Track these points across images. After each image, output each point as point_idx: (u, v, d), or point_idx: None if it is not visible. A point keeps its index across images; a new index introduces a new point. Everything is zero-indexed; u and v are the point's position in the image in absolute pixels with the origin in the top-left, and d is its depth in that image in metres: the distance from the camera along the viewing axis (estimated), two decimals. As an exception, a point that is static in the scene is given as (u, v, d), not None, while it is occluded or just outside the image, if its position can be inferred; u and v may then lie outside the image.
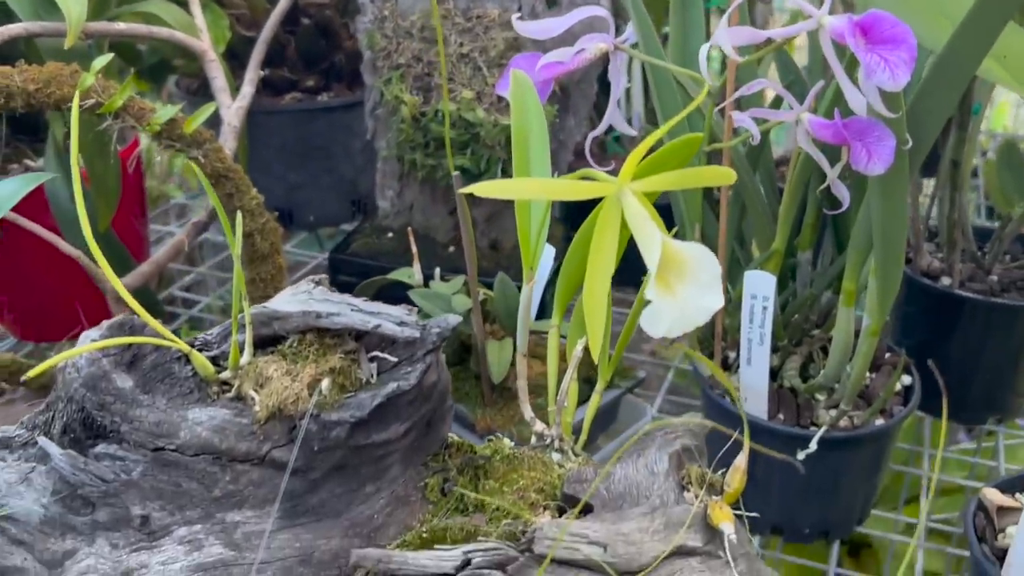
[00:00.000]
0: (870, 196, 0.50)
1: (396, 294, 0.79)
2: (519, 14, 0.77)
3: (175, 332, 0.45)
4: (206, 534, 0.37)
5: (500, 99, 0.80)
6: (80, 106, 0.63)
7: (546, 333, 0.50)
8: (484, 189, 0.36)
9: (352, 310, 0.38)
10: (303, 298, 0.40)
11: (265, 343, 0.40)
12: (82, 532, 0.39)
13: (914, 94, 0.47)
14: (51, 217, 0.78)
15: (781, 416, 0.61)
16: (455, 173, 0.58)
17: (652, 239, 0.35)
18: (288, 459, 0.38)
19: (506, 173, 0.82)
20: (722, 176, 0.39)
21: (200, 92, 1.06)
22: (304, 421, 0.37)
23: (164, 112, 0.64)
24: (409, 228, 0.74)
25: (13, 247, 0.83)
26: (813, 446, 0.57)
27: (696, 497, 0.38)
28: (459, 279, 0.72)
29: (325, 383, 0.38)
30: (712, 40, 0.47)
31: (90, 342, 0.39)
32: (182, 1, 0.81)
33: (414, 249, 0.71)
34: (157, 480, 0.38)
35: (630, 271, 0.46)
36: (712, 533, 0.38)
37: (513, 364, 0.69)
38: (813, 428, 0.60)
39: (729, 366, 0.66)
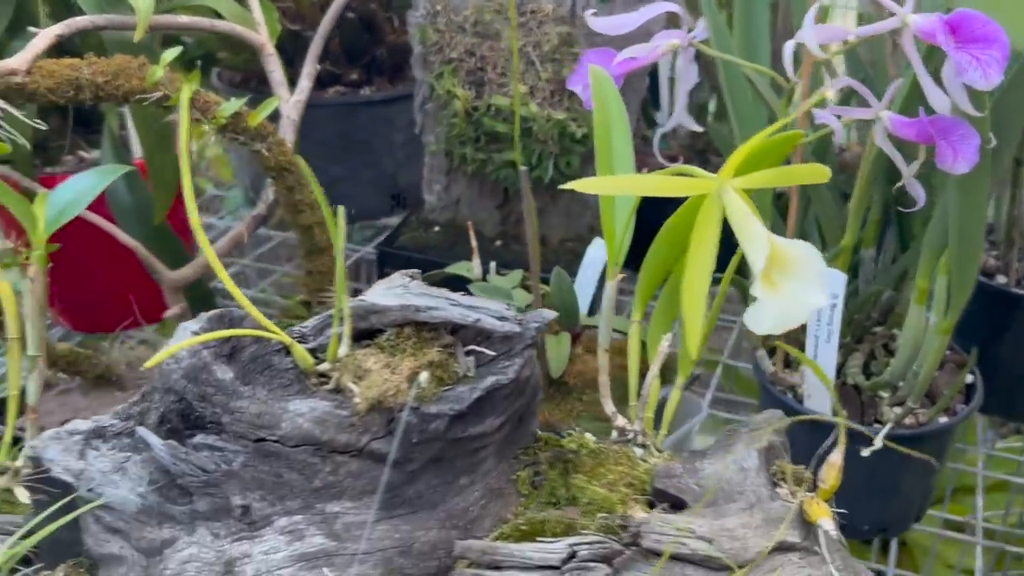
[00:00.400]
0: (949, 194, 0.50)
1: (453, 288, 0.79)
2: (585, 8, 0.77)
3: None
4: (307, 524, 0.38)
5: (553, 94, 0.80)
6: (147, 98, 0.63)
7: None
8: (583, 185, 0.37)
9: (451, 304, 0.39)
10: (399, 292, 0.40)
11: (361, 336, 0.40)
12: (181, 521, 0.39)
13: (998, 92, 0.47)
14: (105, 207, 0.79)
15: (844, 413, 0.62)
16: (523, 168, 0.58)
17: (758, 237, 0.35)
18: (386, 451, 0.38)
19: (557, 168, 0.82)
20: (817, 174, 0.39)
21: (242, 85, 1.07)
22: (404, 413, 0.37)
23: (229, 106, 0.64)
24: (469, 223, 0.74)
25: (67, 237, 0.83)
26: (879, 443, 0.57)
27: (791, 494, 0.39)
28: (516, 274, 0.72)
29: (424, 376, 0.38)
30: (797, 37, 0.47)
31: (190, 334, 0.39)
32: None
33: (473, 244, 0.71)
34: (258, 471, 0.38)
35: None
36: (808, 529, 0.38)
37: (571, 359, 0.70)
38: (876, 425, 0.61)
39: (790, 363, 0.66)
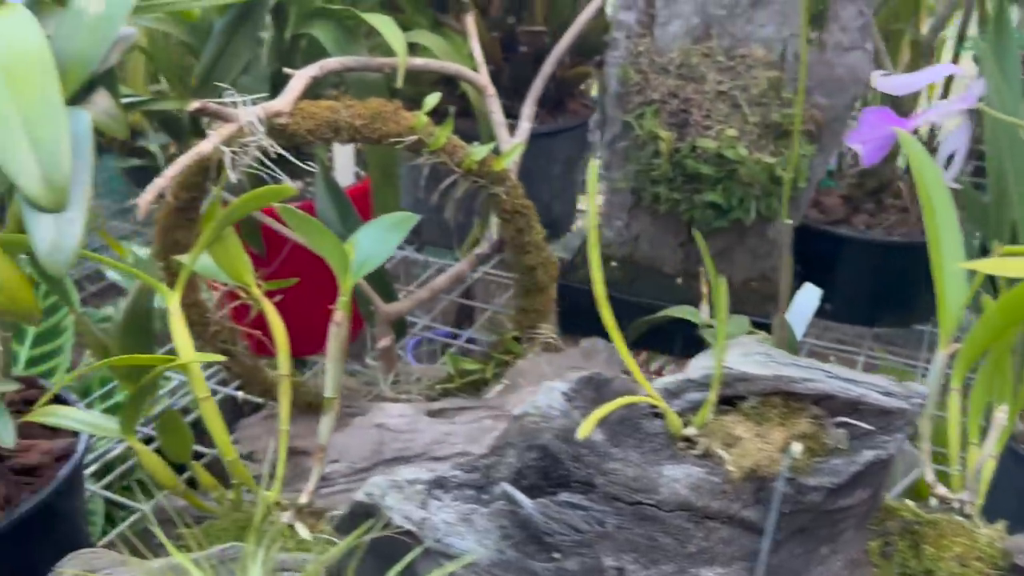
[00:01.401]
0: None
1: (666, 329, 0.80)
2: (795, 54, 0.77)
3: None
4: (682, 589, 0.38)
5: (760, 137, 0.80)
6: (401, 141, 0.65)
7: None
8: (982, 266, 0.37)
9: (828, 376, 0.39)
10: (762, 359, 0.40)
11: (720, 402, 0.41)
12: (546, 578, 0.40)
13: None
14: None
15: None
16: (787, 222, 0.58)
17: None
18: (755, 519, 0.38)
19: (757, 210, 0.82)
20: None
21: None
22: (779, 484, 0.38)
23: (479, 151, 0.65)
24: (700, 270, 0.75)
25: (270, 263, 0.85)
26: None
27: None
28: (741, 320, 0.72)
29: (797, 447, 0.38)
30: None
31: (560, 395, 0.40)
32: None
33: (703, 290, 0.72)
34: (632, 533, 0.39)
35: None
36: None
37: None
38: None
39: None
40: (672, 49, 0.82)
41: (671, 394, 0.42)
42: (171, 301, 0.51)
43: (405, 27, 0.76)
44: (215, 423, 0.52)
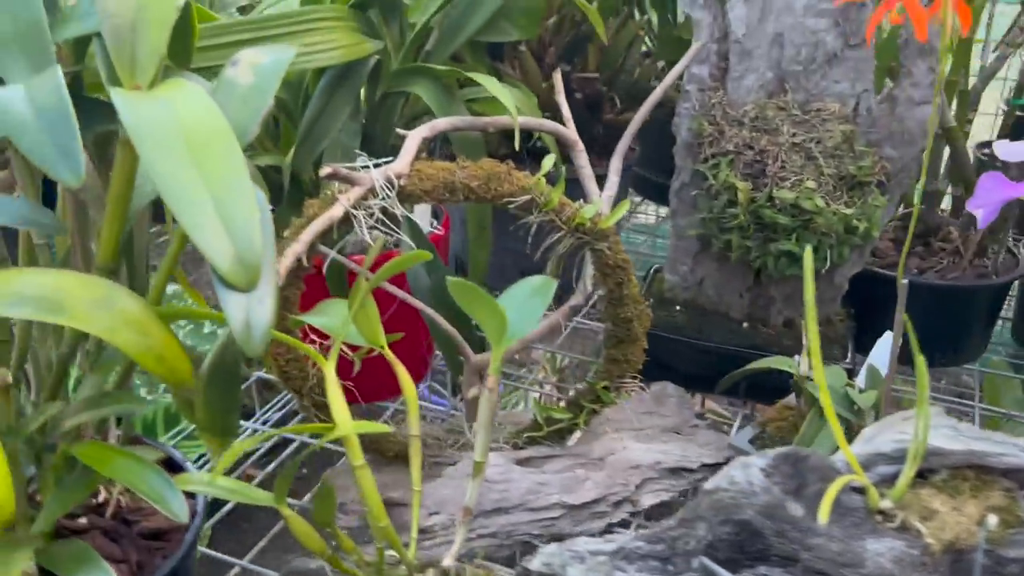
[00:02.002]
0: None
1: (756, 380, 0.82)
2: (868, 108, 0.80)
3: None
4: (889, 661, 0.39)
5: (835, 188, 0.83)
6: (513, 201, 0.66)
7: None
8: None
9: (1020, 450, 0.41)
10: (951, 433, 0.42)
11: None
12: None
13: None
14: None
15: None
16: (903, 282, 0.60)
17: None
18: (953, 589, 0.40)
19: (830, 260, 0.84)
20: None
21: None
22: (979, 556, 0.39)
23: (589, 209, 0.67)
24: (801, 318, 0.76)
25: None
26: None
27: None
28: (838, 371, 0.74)
29: (993, 519, 0.40)
30: None
31: (758, 471, 0.41)
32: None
33: (805, 342, 0.73)
34: (838, 606, 0.40)
35: None
36: None
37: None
38: None
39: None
40: (746, 102, 0.84)
41: (862, 467, 0.43)
42: (328, 369, 0.52)
43: (469, 78, 0.77)
44: (370, 491, 0.52)
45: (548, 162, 0.64)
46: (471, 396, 0.79)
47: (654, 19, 1.16)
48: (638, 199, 1.46)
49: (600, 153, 1.14)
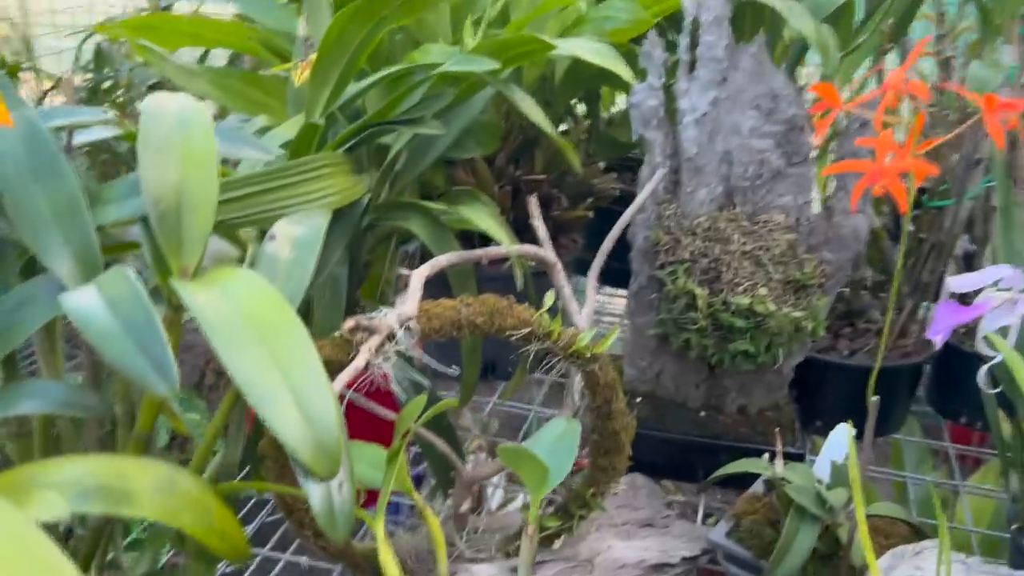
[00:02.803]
0: None
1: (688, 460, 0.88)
2: (808, 220, 0.88)
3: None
4: None
5: (784, 292, 0.90)
6: (515, 334, 0.70)
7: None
8: None
9: (1019, 579, 0.47)
10: (960, 568, 0.48)
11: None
12: None
13: None
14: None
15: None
16: (874, 399, 0.68)
17: None
18: None
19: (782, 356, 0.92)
20: None
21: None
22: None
23: (585, 336, 0.72)
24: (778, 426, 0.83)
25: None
26: None
27: None
28: (804, 469, 0.80)
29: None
30: None
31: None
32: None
33: (779, 447, 0.80)
34: None
35: None
36: None
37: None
38: None
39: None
40: (699, 214, 0.92)
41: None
42: (378, 528, 0.54)
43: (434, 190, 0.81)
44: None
45: (550, 299, 0.69)
46: (462, 511, 0.82)
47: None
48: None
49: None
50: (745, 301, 0.89)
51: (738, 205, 0.91)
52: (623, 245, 0.98)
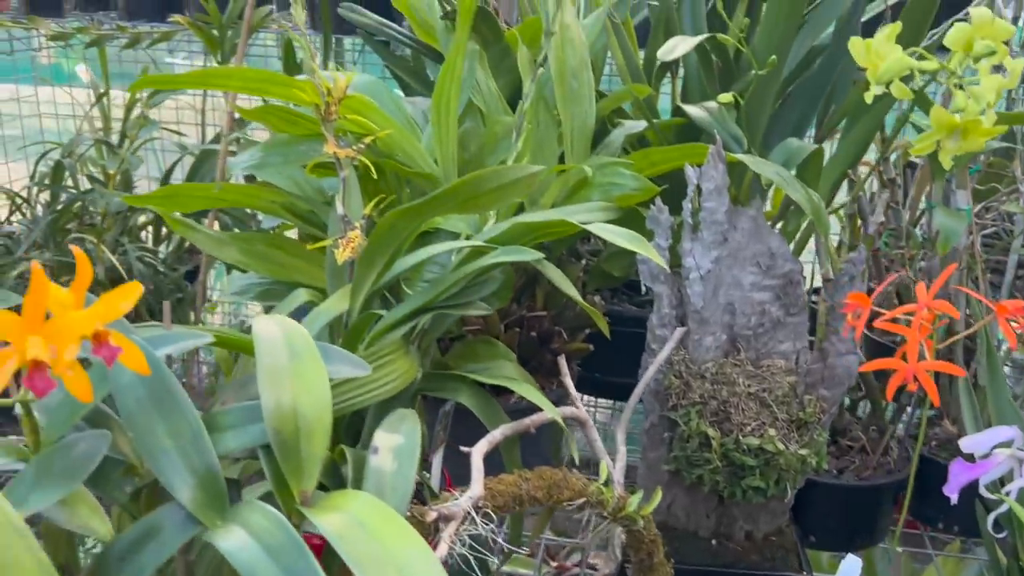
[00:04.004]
0: None
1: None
2: (846, 360, 0.97)
3: None
4: None
5: (789, 430, 0.98)
6: (571, 505, 0.75)
7: None
8: None
9: None
10: None
11: None
12: None
13: None
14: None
15: None
16: (899, 551, 0.75)
17: None
18: None
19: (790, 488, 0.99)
20: None
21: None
22: None
23: (633, 501, 0.77)
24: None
25: None
26: None
27: None
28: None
29: None
30: None
31: None
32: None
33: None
34: None
35: None
36: None
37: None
38: None
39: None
40: (706, 360, 0.99)
41: None
42: None
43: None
44: None
45: (604, 472, 0.75)
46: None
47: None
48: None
49: (547, 375, 1.26)
50: (755, 441, 0.96)
51: (742, 351, 0.99)
52: (608, 356, 1.07)
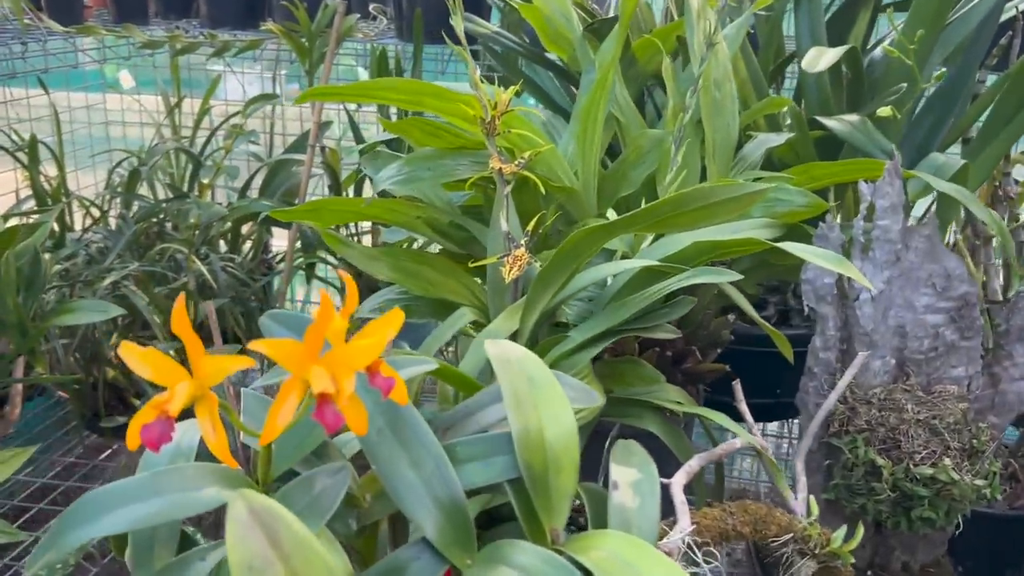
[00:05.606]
0: None
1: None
2: (1019, 386, 0.92)
3: None
4: None
5: (962, 459, 0.94)
6: (776, 540, 0.71)
7: None
8: None
9: None
10: None
11: None
12: None
13: None
14: None
15: None
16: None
17: None
18: None
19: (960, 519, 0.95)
20: None
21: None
22: None
23: (838, 537, 0.73)
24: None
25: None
26: None
27: None
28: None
29: None
30: None
31: None
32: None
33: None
34: None
35: None
36: None
37: None
38: None
39: None
40: (873, 384, 0.95)
41: None
42: None
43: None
44: None
45: (814, 508, 0.71)
46: None
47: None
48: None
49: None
50: (928, 471, 0.92)
51: (912, 376, 0.95)
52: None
